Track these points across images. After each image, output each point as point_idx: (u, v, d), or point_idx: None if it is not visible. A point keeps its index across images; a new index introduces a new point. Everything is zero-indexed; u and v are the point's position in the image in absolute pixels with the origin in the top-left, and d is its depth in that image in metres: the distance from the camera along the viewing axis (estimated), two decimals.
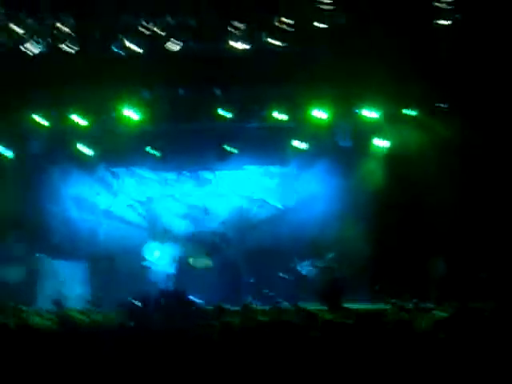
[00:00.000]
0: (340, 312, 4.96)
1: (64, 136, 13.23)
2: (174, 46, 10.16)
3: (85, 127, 12.86)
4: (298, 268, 13.41)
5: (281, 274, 13.31)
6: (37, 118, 12.58)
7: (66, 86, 11.28)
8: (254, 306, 12.03)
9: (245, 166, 14.34)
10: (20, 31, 10.10)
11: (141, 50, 10.22)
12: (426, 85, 12.01)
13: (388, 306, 9.48)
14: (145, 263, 13.04)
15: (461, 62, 11.68)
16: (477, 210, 12.68)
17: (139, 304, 8.77)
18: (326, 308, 10.06)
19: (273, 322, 4.60)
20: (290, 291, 13.05)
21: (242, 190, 14.48)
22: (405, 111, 12.83)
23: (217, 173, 14.37)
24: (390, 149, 13.59)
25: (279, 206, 14.51)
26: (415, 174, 13.13)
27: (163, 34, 10.04)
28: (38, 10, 9.97)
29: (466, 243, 12.46)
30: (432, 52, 11.39)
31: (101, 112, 12.80)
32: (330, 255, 13.31)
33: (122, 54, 10.19)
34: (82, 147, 13.43)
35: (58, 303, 10.20)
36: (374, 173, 13.65)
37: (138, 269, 13.12)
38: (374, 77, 11.78)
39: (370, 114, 13.04)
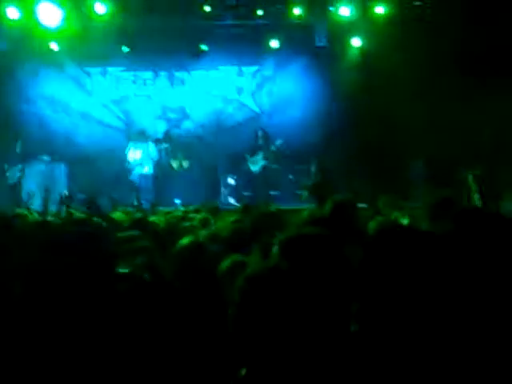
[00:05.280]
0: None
1: (34, 32, 12.94)
2: None
3: (56, 23, 12.56)
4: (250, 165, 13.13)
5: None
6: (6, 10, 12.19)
7: None
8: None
9: (220, 66, 14.23)
10: None
11: None
12: None
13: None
14: (124, 165, 13.08)
15: None
16: (452, 110, 12.77)
17: None
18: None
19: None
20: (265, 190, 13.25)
21: (217, 91, 14.45)
22: (378, 9, 12.70)
23: (192, 72, 14.22)
24: (365, 49, 13.57)
25: (255, 108, 14.56)
26: (391, 76, 13.13)
27: None
28: None
29: (445, 145, 12.60)
30: None
31: (72, 6, 12.51)
32: (278, 142, 12.86)
33: None
34: (53, 44, 13.12)
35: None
36: (349, 74, 13.63)
37: (117, 170, 13.19)
38: None
39: (344, 11, 12.91)
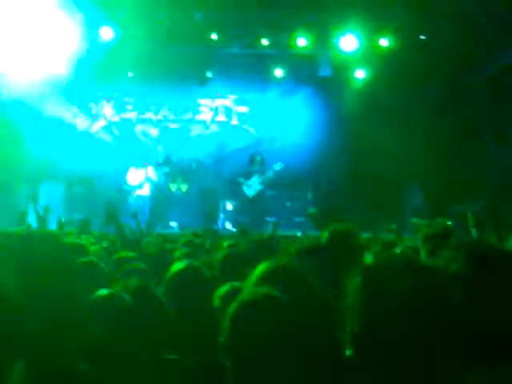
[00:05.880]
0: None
1: None
2: None
3: None
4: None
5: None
6: None
7: None
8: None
9: (224, 93, 14.39)
10: None
11: None
12: (405, 15, 11.98)
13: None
14: (124, 187, 13.10)
15: None
16: (454, 138, 12.85)
17: None
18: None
19: None
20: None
21: (220, 117, 14.56)
22: (382, 42, 12.80)
23: (196, 99, 14.40)
24: (368, 81, 13.66)
25: (257, 134, 14.64)
26: (394, 108, 13.20)
27: None
28: None
29: (444, 179, 12.64)
30: None
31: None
32: (279, 165, 12.77)
33: None
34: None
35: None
36: (352, 105, 13.69)
37: (116, 192, 13.20)
38: (355, 4, 11.73)
39: (349, 43, 13.01)
